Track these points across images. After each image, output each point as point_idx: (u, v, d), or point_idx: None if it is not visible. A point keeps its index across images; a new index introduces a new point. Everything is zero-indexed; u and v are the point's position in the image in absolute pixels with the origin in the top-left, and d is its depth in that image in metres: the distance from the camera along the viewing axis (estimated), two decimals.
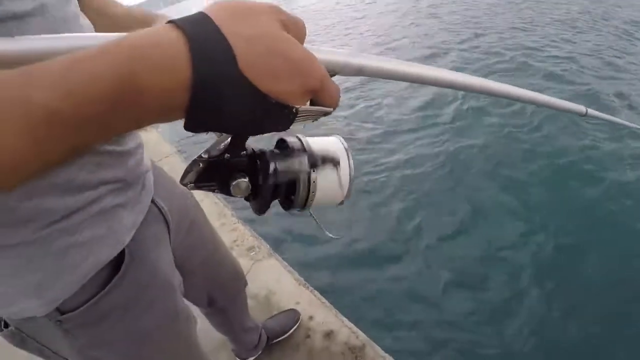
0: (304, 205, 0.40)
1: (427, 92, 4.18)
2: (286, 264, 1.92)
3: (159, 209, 0.66)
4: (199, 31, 0.25)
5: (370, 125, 3.93)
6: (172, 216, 0.70)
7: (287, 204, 0.41)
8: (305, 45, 0.30)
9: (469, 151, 3.19)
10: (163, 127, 4.31)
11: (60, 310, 0.50)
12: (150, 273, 0.60)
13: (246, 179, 0.36)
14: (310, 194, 0.39)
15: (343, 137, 0.44)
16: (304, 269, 2.04)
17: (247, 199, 0.39)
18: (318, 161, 0.39)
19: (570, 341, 1.75)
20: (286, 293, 1.73)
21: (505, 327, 1.83)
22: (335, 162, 0.40)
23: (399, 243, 2.41)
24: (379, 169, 3.18)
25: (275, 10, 0.28)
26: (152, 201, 0.64)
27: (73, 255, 0.48)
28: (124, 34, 0.25)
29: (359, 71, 0.36)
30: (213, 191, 0.37)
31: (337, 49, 0.35)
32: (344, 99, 4.12)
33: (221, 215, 2.33)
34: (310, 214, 0.45)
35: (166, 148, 3.49)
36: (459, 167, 3.02)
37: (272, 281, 1.80)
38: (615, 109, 3.45)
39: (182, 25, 0.25)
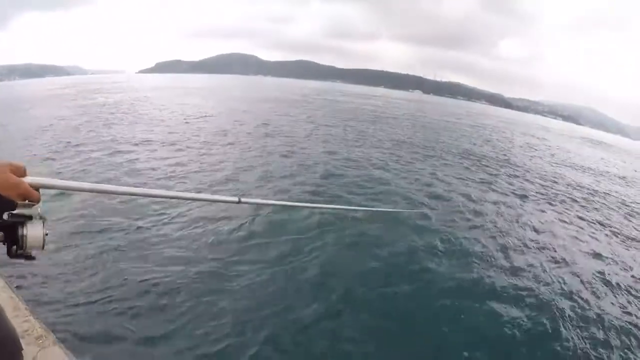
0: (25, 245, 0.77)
1: None
2: (69, 351, 2.39)
3: None
4: None
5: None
6: None
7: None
8: (27, 177, 0.78)
9: None
10: None
11: None
12: None
13: (2, 233, 0.76)
14: (26, 237, 0.76)
15: None
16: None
17: (3, 243, 0.77)
18: (27, 222, 0.77)
19: None
20: None
21: None
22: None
23: None
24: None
25: (7, 164, 0.77)
26: None
27: None
28: None
29: (51, 187, 0.81)
30: None
31: (40, 178, 0.80)
32: None
33: (16, 308, 2.64)
34: None
35: None
36: None
37: None
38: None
39: None
